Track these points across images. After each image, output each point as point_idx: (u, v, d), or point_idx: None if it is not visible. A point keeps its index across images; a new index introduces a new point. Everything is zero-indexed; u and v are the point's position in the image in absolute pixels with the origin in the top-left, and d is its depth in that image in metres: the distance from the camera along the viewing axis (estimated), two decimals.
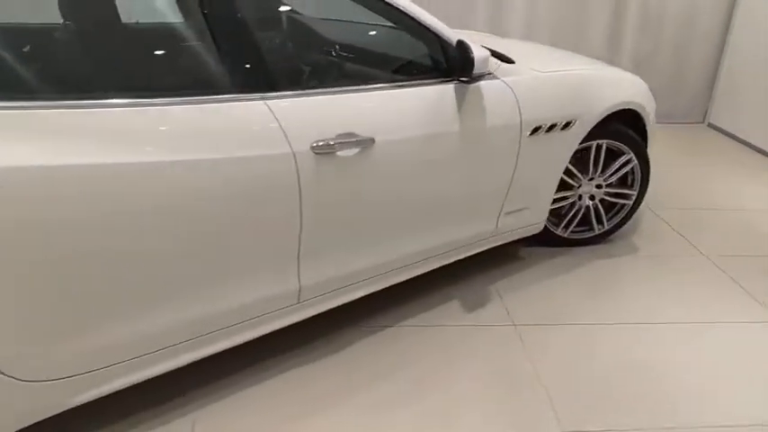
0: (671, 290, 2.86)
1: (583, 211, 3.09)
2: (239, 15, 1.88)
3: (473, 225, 2.58)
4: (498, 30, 4.80)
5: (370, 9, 2.17)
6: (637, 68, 5.12)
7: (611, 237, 3.27)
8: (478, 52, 2.17)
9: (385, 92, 2.13)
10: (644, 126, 3.11)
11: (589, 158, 2.98)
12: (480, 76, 2.31)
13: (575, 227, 3.13)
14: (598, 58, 4.98)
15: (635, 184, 3.14)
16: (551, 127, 2.63)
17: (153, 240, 1.66)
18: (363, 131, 2.02)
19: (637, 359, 2.37)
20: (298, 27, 2.69)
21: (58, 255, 1.50)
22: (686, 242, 3.32)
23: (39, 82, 1.64)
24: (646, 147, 3.11)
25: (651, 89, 3.22)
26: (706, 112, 5.41)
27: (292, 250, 1.99)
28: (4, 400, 1.56)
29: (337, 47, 2.46)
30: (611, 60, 5.09)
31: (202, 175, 1.69)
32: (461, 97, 2.30)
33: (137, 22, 2.17)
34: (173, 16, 2.10)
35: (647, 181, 3.15)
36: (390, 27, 2.27)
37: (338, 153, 1.97)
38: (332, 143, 1.93)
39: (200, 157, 1.68)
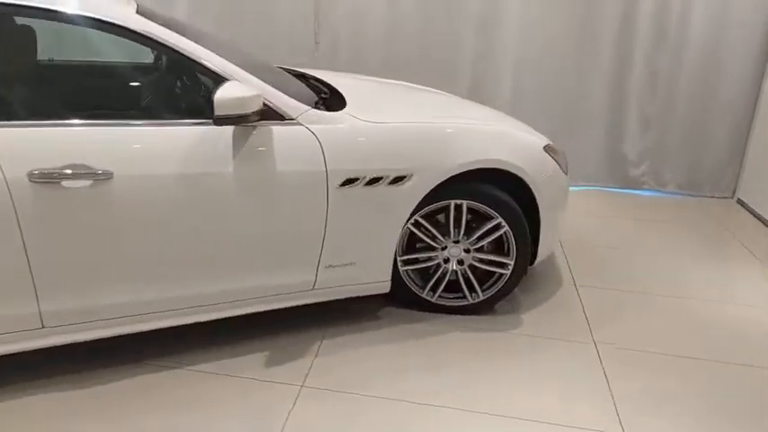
0: (517, 376, 2.50)
1: (449, 275, 2.84)
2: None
3: (282, 274, 2.47)
4: (492, 93, 4.64)
5: (147, 46, 2.23)
6: (645, 129, 4.66)
7: (504, 307, 2.97)
8: (224, 93, 2.11)
9: (135, 128, 2.16)
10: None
11: (449, 219, 2.75)
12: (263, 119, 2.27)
13: (444, 292, 2.88)
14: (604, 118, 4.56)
15: (511, 252, 2.83)
16: (374, 180, 2.47)
17: None
18: (99, 164, 2.06)
19: None
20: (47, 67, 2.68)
21: None
22: (586, 326, 2.89)
23: None
24: (534, 212, 2.83)
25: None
26: (735, 185, 4.72)
27: (25, 276, 2.05)
28: None
29: (85, 83, 2.53)
30: (614, 120, 4.67)
31: None
32: (235, 140, 2.25)
33: None
34: None
35: (526, 250, 2.83)
36: (169, 68, 2.31)
37: (63, 183, 2.02)
38: (54, 173, 1.99)
39: None
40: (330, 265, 2.56)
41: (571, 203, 3.66)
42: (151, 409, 2.19)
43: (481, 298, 2.89)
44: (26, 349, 2.18)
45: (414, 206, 2.60)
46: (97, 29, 2.12)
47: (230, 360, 2.49)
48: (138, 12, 2.25)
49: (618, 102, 4.68)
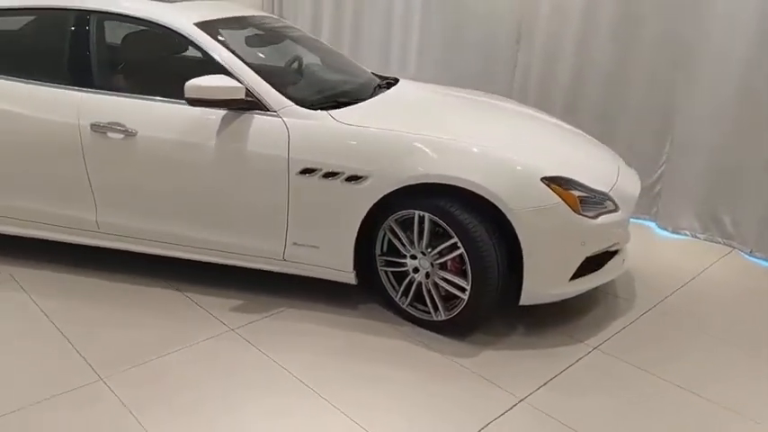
0: (407, 401, 2.47)
1: (416, 286, 2.86)
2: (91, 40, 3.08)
3: (255, 238, 2.96)
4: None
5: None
6: None
7: (476, 336, 2.83)
8: (196, 81, 2.69)
9: (156, 102, 2.94)
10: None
11: (413, 228, 2.77)
12: (251, 109, 2.81)
13: (416, 302, 2.90)
14: None
15: (467, 277, 2.67)
16: (330, 174, 2.74)
17: None
18: (130, 125, 2.91)
19: None
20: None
21: None
22: (536, 384, 2.53)
23: None
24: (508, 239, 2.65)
25: None
26: None
27: (85, 190, 3.06)
28: None
29: (132, 66, 3.28)
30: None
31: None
32: (225, 123, 2.83)
33: None
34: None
35: (486, 278, 2.65)
36: (193, 57, 2.98)
37: (108, 134, 2.94)
38: (101, 125, 2.92)
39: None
40: (296, 243, 2.92)
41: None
42: (132, 306, 3.00)
43: (443, 317, 2.83)
44: (85, 243, 3.21)
45: (368, 207, 2.75)
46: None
47: (207, 296, 3.10)
48: (197, 23, 3.03)
49: None
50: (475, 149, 2.72)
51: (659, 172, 4.33)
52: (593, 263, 2.90)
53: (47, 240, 3.27)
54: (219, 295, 3.13)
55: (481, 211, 2.65)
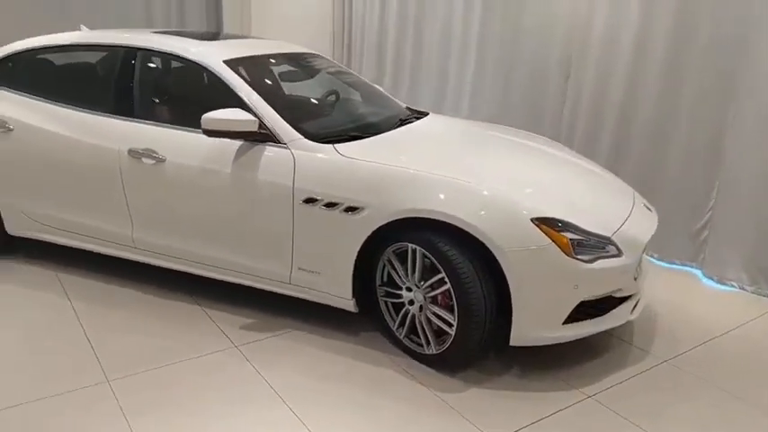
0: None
1: (410, 318, 2.91)
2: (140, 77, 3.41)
3: (264, 261, 3.12)
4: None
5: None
6: None
7: (466, 373, 2.83)
8: (211, 114, 2.92)
9: (184, 132, 3.20)
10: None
11: (404, 260, 2.83)
12: (264, 141, 3.01)
13: (410, 333, 2.94)
14: None
15: (454, 313, 2.67)
16: (330, 204, 2.87)
17: None
18: (161, 151, 3.19)
19: None
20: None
21: None
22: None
23: None
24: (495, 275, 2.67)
25: None
26: None
27: (123, 208, 3.37)
28: None
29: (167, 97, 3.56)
30: None
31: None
32: (240, 152, 3.04)
33: None
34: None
35: (471, 315, 2.66)
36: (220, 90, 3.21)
37: (142, 160, 3.23)
38: (137, 151, 3.22)
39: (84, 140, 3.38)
40: (301, 268, 3.06)
41: None
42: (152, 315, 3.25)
43: (433, 352, 2.85)
44: (122, 257, 3.52)
45: (365, 236, 2.84)
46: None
47: (222, 312, 3.30)
48: (226, 60, 3.29)
49: None
50: (467, 186, 2.75)
51: (706, 218, 4.11)
52: (595, 308, 2.83)
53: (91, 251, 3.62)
54: (234, 313, 3.32)
55: (470, 248, 2.68)
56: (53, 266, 3.74)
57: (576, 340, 2.90)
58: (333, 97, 3.91)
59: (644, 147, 4.34)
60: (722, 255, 3.99)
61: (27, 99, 3.60)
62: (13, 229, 3.74)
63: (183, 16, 6.56)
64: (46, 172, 3.51)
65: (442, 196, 2.73)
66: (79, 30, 4.04)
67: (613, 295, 2.86)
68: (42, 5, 5.52)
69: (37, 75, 3.75)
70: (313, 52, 4.17)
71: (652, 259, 4.31)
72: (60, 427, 2.45)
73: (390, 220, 2.77)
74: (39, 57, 3.77)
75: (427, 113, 3.92)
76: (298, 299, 3.16)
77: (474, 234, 2.64)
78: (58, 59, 3.82)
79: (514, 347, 2.80)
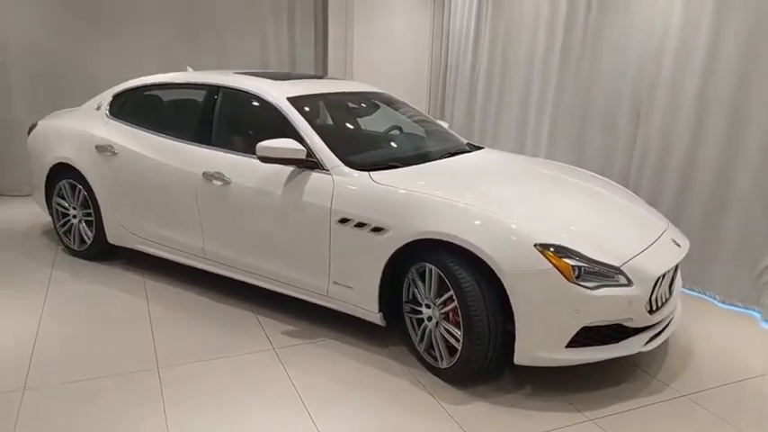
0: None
1: (428, 333, 3.14)
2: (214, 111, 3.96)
3: (306, 274, 3.49)
4: None
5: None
6: None
7: (476, 387, 3.02)
8: (265, 143, 3.35)
9: (246, 158, 3.66)
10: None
11: (425, 279, 3.07)
12: (312, 167, 3.41)
13: (429, 348, 3.17)
14: None
15: (460, 328, 2.87)
16: (360, 224, 3.19)
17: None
18: (228, 174, 3.68)
19: None
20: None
21: None
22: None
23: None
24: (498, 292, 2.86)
25: None
26: None
27: (197, 223, 3.89)
28: None
29: (238, 128, 4.02)
30: None
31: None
32: (291, 176, 3.46)
33: None
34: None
35: (475, 331, 2.86)
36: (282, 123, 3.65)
37: (213, 181, 3.74)
38: (209, 174, 3.74)
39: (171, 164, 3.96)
40: (336, 282, 3.39)
41: None
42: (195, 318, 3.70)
43: (445, 366, 3.05)
44: (194, 265, 4.03)
45: (389, 254, 3.13)
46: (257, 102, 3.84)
47: (271, 319, 3.68)
48: (290, 97, 3.75)
49: None
50: (481, 212, 2.97)
51: (767, 261, 3.98)
52: (604, 335, 2.92)
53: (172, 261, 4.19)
54: (281, 320, 3.71)
55: (477, 269, 2.89)
56: (142, 272, 4.36)
57: (596, 369, 3.03)
58: (396, 131, 4.28)
59: (707, 190, 4.31)
60: None
61: (131, 128, 4.28)
62: (113, 238, 4.41)
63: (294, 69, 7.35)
64: (141, 190, 4.14)
65: (456, 221, 2.97)
66: (185, 71, 4.73)
67: (625, 324, 2.93)
68: (181, 51, 6.52)
69: (142, 108, 4.45)
70: (379, 91, 4.58)
71: (715, 301, 4.23)
72: (104, 403, 2.88)
73: (410, 240, 3.06)
74: (145, 93, 4.48)
75: (482, 147, 4.19)
76: (339, 312, 3.50)
77: (480, 256, 2.86)
78: (164, 96, 4.51)
79: (532, 369, 2.96)
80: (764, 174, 3.98)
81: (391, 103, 4.55)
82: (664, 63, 4.57)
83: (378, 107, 4.44)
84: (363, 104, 4.43)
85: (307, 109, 3.73)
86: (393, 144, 4.19)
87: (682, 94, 4.45)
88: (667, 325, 3.19)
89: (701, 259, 4.32)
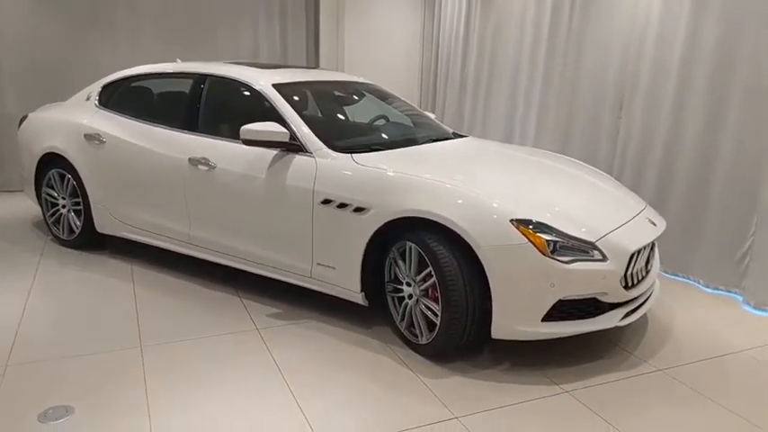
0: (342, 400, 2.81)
1: (408, 310, 3.19)
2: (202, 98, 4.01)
3: (290, 256, 3.54)
4: None
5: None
6: None
7: (453, 362, 3.06)
8: (248, 126, 3.41)
9: (231, 143, 3.72)
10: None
11: (405, 258, 3.11)
12: (296, 151, 3.46)
13: (409, 326, 3.21)
14: None
15: (439, 303, 2.92)
16: (342, 205, 3.24)
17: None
18: (213, 159, 3.73)
19: None
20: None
21: None
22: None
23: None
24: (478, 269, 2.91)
25: None
26: None
27: (183, 209, 3.94)
28: None
29: (224, 114, 4.07)
30: None
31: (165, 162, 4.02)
32: (275, 160, 3.51)
33: None
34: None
35: (454, 306, 2.90)
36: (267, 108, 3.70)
37: (198, 167, 3.79)
38: (195, 159, 3.79)
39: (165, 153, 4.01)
40: (319, 263, 3.44)
41: None
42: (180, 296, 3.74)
43: (424, 341, 3.09)
44: (180, 251, 4.07)
45: (370, 234, 3.17)
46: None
47: (256, 303, 3.72)
48: (275, 84, 3.80)
49: None
50: (460, 191, 3.02)
51: (747, 244, 4.03)
52: (580, 309, 2.96)
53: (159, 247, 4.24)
54: (266, 303, 3.75)
55: (456, 246, 2.94)
56: (130, 261, 4.40)
57: (575, 346, 3.08)
58: (381, 120, 4.34)
59: (688, 178, 4.39)
60: (761, 281, 3.90)
61: (120, 117, 4.34)
62: (101, 227, 4.45)
63: (287, 61, 7.42)
64: (128, 177, 4.19)
65: (435, 199, 3.02)
66: (175, 62, 4.79)
67: (600, 299, 2.98)
68: (174, 44, 6.60)
69: (130, 98, 4.51)
70: (367, 82, 4.64)
71: (699, 285, 4.29)
72: (85, 380, 2.90)
73: (390, 219, 3.10)
74: (134, 83, 4.54)
75: (466, 136, 4.25)
76: (323, 296, 3.54)
77: (458, 232, 2.90)
78: (153, 86, 4.56)
79: (511, 347, 3.00)
80: (742, 162, 4.06)
81: (379, 93, 4.61)
82: (645, 56, 4.67)
83: (364, 96, 4.50)
84: (350, 94, 4.49)
85: (292, 96, 3.79)
86: (378, 131, 4.25)
87: (662, 87, 4.55)
88: (644, 302, 3.24)
89: (684, 245, 4.39)
